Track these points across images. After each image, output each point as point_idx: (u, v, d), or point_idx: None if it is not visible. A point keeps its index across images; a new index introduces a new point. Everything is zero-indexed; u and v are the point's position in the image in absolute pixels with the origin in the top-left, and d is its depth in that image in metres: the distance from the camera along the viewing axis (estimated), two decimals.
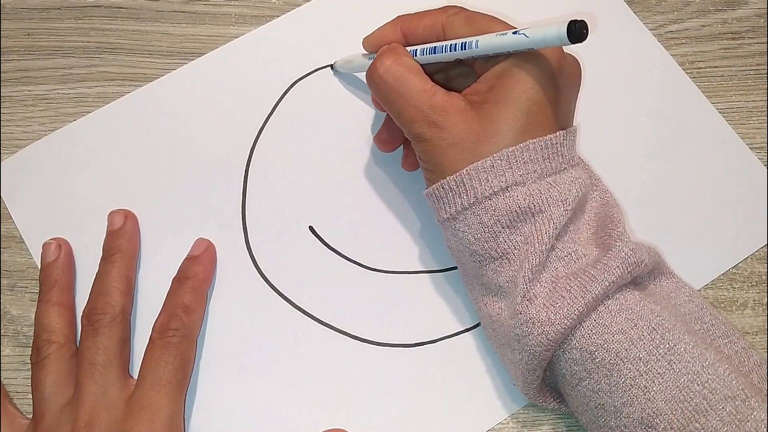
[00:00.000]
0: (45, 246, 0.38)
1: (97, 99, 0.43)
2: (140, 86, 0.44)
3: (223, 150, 0.42)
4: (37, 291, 0.38)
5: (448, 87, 0.34)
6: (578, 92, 0.36)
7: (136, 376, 0.35)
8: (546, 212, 0.31)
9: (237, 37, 0.45)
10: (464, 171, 0.32)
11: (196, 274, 0.37)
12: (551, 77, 0.32)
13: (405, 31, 0.36)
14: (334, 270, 0.40)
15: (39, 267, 0.39)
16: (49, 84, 0.44)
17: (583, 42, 0.29)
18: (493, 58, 0.33)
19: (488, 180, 0.31)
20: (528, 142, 0.32)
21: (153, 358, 0.34)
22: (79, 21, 0.45)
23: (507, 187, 0.32)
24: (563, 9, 0.46)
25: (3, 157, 0.42)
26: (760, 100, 0.44)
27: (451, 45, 0.33)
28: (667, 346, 0.30)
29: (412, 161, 0.39)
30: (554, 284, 0.31)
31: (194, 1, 0.46)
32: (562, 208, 0.32)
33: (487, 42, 0.32)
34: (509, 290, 0.32)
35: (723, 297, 0.40)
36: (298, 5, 0.46)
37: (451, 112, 0.32)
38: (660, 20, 0.46)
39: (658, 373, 0.29)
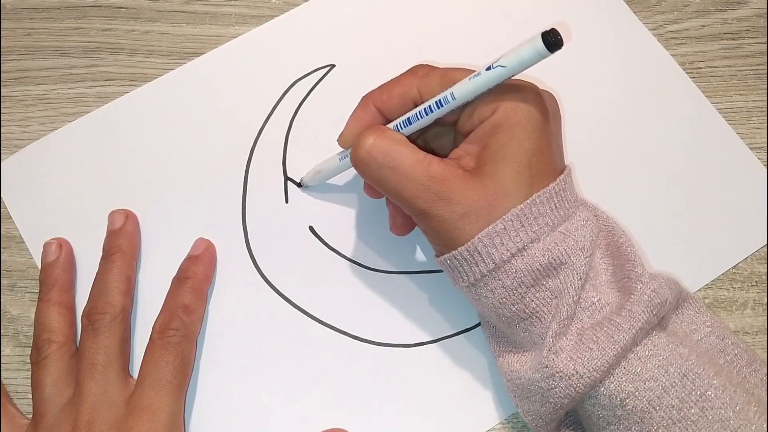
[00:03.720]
0: (46, 246, 0.38)
1: (97, 99, 0.43)
2: (140, 86, 0.44)
3: (223, 150, 0.42)
4: (37, 291, 0.38)
5: (428, 150, 0.32)
6: (561, 126, 0.34)
7: (136, 376, 0.35)
8: (567, 263, 0.31)
9: (237, 37, 0.45)
10: (476, 239, 0.30)
11: (196, 273, 0.37)
12: (541, 123, 0.31)
13: (379, 107, 0.34)
14: (334, 270, 0.40)
15: (39, 267, 0.39)
16: (49, 84, 0.44)
17: (561, 48, 0.27)
18: (477, 113, 0.31)
19: (503, 244, 0.30)
20: (534, 197, 0.30)
21: (153, 358, 0.34)
22: (79, 21, 0.45)
23: (524, 247, 0.30)
24: (561, 11, 0.46)
25: (3, 157, 0.42)
26: (760, 100, 0.44)
27: (425, 108, 0.32)
28: (698, 392, 0.29)
29: (401, 223, 0.37)
30: (580, 336, 0.30)
31: (194, 1, 0.46)
32: (582, 257, 0.31)
33: (463, 90, 0.30)
34: (541, 345, 0.31)
35: (723, 297, 0.40)
36: (298, 5, 0.46)
37: (452, 180, 0.30)
38: (660, 20, 0.46)
39: (692, 421, 0.29)
